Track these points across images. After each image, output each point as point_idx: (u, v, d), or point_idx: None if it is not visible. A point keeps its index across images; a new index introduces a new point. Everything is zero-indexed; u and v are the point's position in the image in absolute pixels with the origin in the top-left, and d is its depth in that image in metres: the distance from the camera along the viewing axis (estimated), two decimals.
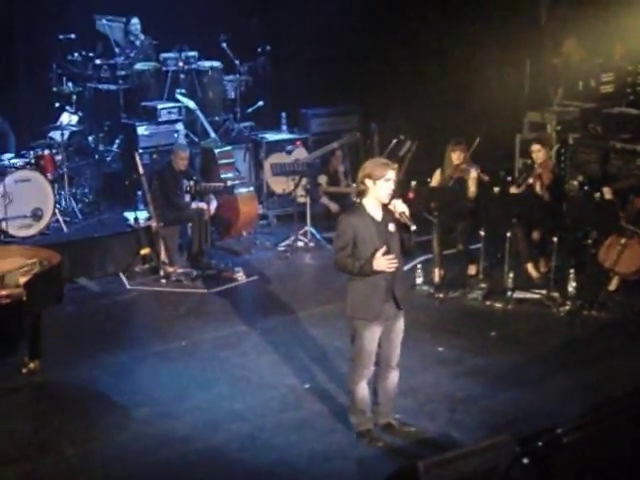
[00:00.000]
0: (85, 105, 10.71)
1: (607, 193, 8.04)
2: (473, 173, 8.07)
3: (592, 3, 10.63)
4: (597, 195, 8.15)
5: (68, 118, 10.28)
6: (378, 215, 5.28)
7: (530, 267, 8.13)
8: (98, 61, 10.92)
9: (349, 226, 5.23)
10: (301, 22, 11.39)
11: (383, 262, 5.15)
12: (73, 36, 10.72)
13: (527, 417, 5.78)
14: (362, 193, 5.28)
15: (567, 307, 7.57)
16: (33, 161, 9.08)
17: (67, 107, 10.39)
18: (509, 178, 8.31)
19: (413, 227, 5.23)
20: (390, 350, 5.45)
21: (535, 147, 8.22)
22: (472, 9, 10.55)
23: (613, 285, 7.90)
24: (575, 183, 9.09)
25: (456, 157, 8.20)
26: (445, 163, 8.30)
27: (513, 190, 8.12)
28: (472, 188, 8.07)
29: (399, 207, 5.24)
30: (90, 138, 10.70)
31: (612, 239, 7.80)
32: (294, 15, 11.41)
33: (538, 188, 8.03)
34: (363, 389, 5.49)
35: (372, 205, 5.27)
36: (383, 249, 5.16)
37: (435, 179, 8.35)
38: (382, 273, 5.19)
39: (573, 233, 8.35)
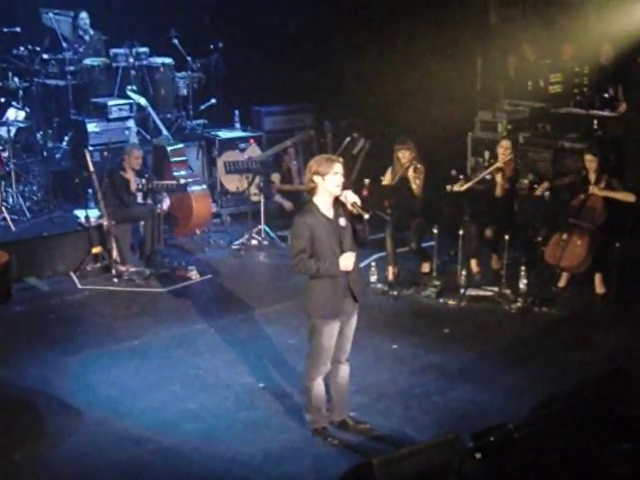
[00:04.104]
0: (33, 101, 10.53)
1: (541, 189, 8.21)
2: (410, 172, 8.12)
3: (541, 5, 10.79)
4: (547, 194, 8.30)
5: (15, 114, 10.07)
6: (330, 212, 5.31)
7: (474, 263, 8.24)
8: (45, 56, 10.74)
9: (305, 226, 5.24)
10: (254, 19, 11.35)
11: (348, 261, 5.21)
12: (18, 29, 10.50)
13: (480, 413, 5.85)
14: (312, 191, 5.30)
15: (518, 304, 7.67)
16: None
17: (13, 103, 10.19)
18: (461, 176, 8.38)
19: (366, 216, 5.28)
20: (341, 345, 5.47)
21: (506, 143, 8.31)
22: (423, 10, 10.62)
23: (563, 281, 8.05)
24: (525, 182, 9.21)
25: (402, 156, 8.23)
26: (394, 162, 8.34)
27: (457, 188, 8.17)
28: (414, 185, 8.11)
29: (350, 198, 5.28)
30: (38, 135, 10.52)
31: (555, 237, 7.95)
32: (247, 12, 11.36)
33: (500, 179, 8.09)
34: (319, 385, 5.50)
35: (323, 202, 5.29)
36: (348, 254, 5.21)
37: (387, 178, 8.39)
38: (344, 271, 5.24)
39: (524, 231, 8.48)
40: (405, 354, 6.83)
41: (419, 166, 8.11)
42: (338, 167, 5.25)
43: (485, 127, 10.23)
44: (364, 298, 5.52)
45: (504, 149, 8.27)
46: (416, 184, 8.09)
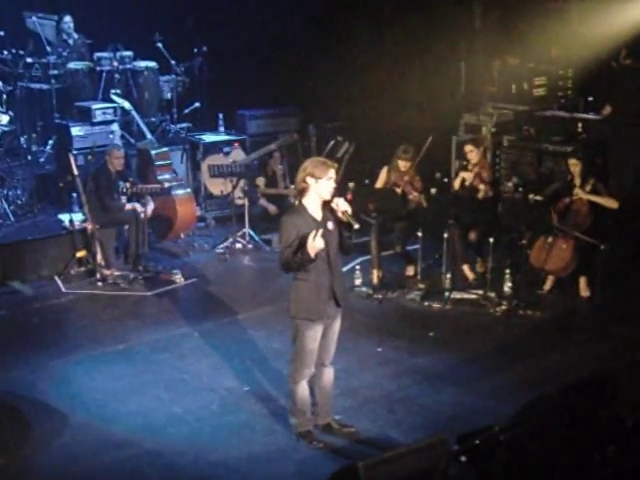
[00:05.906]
0: (17, 105, 10.47)
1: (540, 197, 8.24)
2: (414, 196, 8.14)
3: (525, 9, 10.83)
4: (531, 196, 8.33)
5: None
6: (318, 214, 5.31)
7: (466, 268, 8.26)
8: (29, 59, 10.72)
9: (292, 226, 5.24)
10: (238, 23, 11.35)
11: (316, 240, 5.06)
12: (2, 33, 10.47)
13: (465, 416, 5.86)
14: (302, 192, 5.30)
15: (503, 307, 7.70)
16: None
17: None
18: (445, 179, 8.41)
19: (356, 226, 5.28)
20: (325, 348, 5.47)
21: (468, 148, 8.37)
22: (408, 15, 10.67)
23: (548, 285, 8.08)
24: (510, 184, 9.24)
25: (403, 165, 8.26)
26: (392, 165, 8.34)
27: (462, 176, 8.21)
28: (410, 196, 8.15)
29: (342, 206, 5.28)
30: (22, 139, 10.48)
31: (540, 240, 7.99)
32: (231, 15, 11.36)
33: (481, 187, 8.12)
34: (304, 389, 5.50)
35: (312, 205, 5.30)
36: (313, 233, 5.08)
37: (381, 178, 8.37)
38: (324, 271, 5.24)
39: (508, 234, 8.51)
40: (390, 357, 6.84)
41: (418, 196, 8.13)
42: (332, 172, 5.27)
43: (469, 130, 10.26)
44: (346, 303, 5.50)
45: (468, 153, 8.30)
46: (414, 197, 8.13)
